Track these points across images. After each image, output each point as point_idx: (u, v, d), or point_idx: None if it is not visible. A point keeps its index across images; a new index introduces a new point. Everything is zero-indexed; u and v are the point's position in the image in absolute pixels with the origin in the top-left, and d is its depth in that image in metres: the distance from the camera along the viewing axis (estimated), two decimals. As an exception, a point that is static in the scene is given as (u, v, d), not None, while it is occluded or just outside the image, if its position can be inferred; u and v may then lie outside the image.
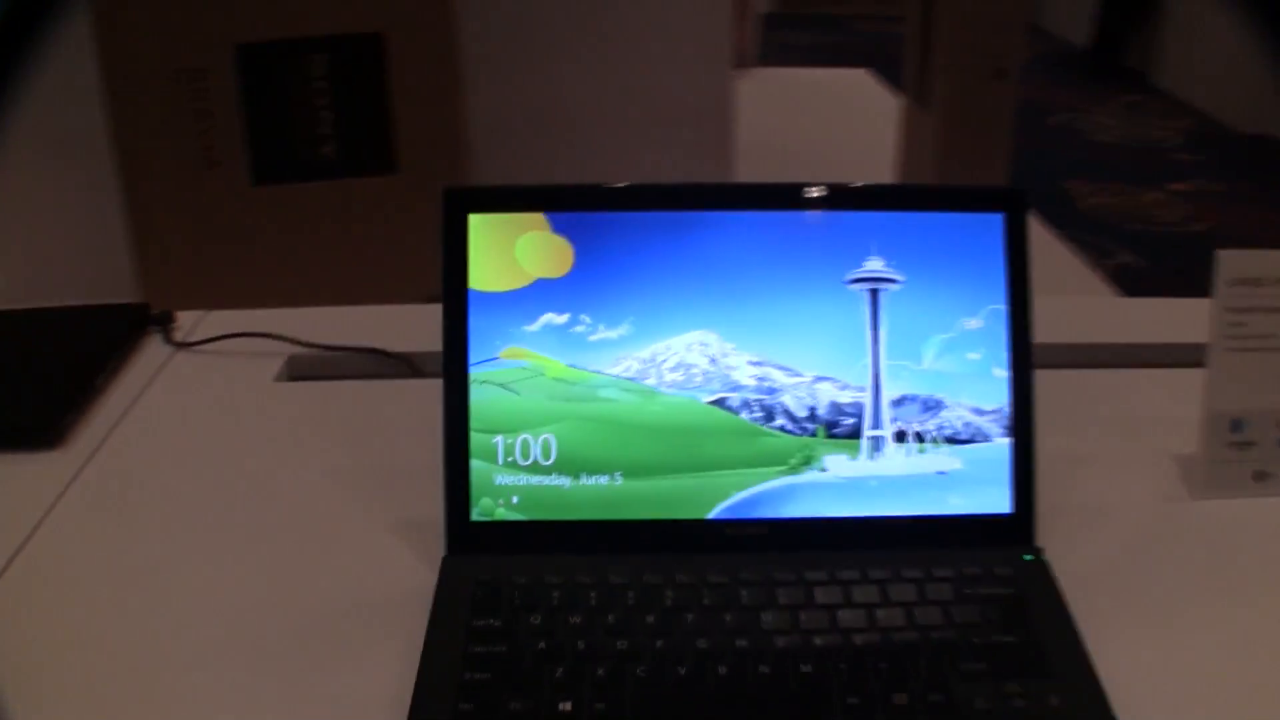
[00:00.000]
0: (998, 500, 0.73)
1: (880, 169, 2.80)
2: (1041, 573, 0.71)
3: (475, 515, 0.73)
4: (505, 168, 1.86)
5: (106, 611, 0.72)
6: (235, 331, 0.99)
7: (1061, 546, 0.74)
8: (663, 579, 0.70)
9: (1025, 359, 0.74)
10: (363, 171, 1.71)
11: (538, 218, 0.73)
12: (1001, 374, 0.74)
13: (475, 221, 0.73)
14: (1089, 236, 3.28)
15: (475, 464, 0.73)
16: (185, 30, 1.59)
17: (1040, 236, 2.15)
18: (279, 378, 0.95)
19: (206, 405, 0.92)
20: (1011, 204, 0.74)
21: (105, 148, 1.60)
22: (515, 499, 0.73)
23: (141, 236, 1.59)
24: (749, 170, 2.29)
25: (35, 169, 1.68)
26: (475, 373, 0.73)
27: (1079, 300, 1.20)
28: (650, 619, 0.67)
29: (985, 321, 0.74)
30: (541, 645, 0.66)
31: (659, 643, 0.65)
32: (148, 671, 0.67)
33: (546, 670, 0.64)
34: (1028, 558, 0.72)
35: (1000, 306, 0.74)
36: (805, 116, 3.74)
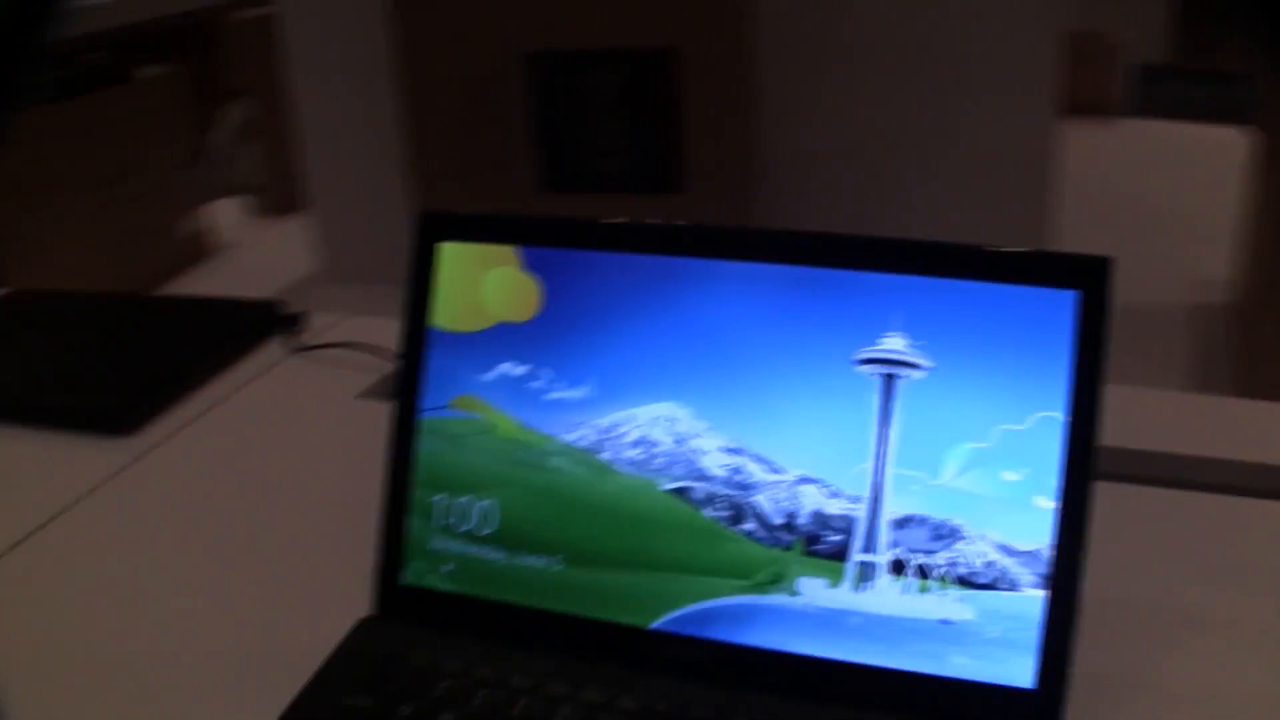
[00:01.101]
0: (1016, 670, 0.55)
1: (1220, 237, 2.41)
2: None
3: (406, 579, 0.64)
4: (798, 199, 1.74)
5: (97, 607, 0.71)
6: (354, 341, 0.96)
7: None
8: (568, 691, 0.58)
9: (1082, 488, 0.55)
10: (649, 188, 1.65)
11: (508, 251, 0.64)
12: (1046, 504, 0.55)
13: (446, 251, 0.65)
14: None
15: (414, 522, 0.64)
16: (482, 38, 1.61)
17: None
18: (363, 394, 0.91)
19: (282, 412, 0.90)
20: (1090, 279, 0.56)
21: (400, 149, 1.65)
22: (450, 567, 0.64)
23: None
24: (1075, 224, 2.02)
25: (353, 161, 1.76)
26: (425, 420, 0.65)
27: (1179, 398, 0.92)
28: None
29: (1033, 432, 0.56)
30: (395, 746, 0.57)
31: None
32: (123, 674, 0.65)
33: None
34: (1037, 755, 0.54)
35: (1056, 414, 0.55)
36: (1162, 172, 3.31)
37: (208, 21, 4.62)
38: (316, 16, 1.59)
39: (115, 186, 1.84)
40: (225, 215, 1.81)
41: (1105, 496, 0.57)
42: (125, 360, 0.94)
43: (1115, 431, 0.59)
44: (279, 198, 2.04)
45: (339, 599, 0.65)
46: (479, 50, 1.63)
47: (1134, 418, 0.80)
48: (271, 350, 0.96)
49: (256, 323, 0.98)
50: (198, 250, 1.86)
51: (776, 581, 0.58)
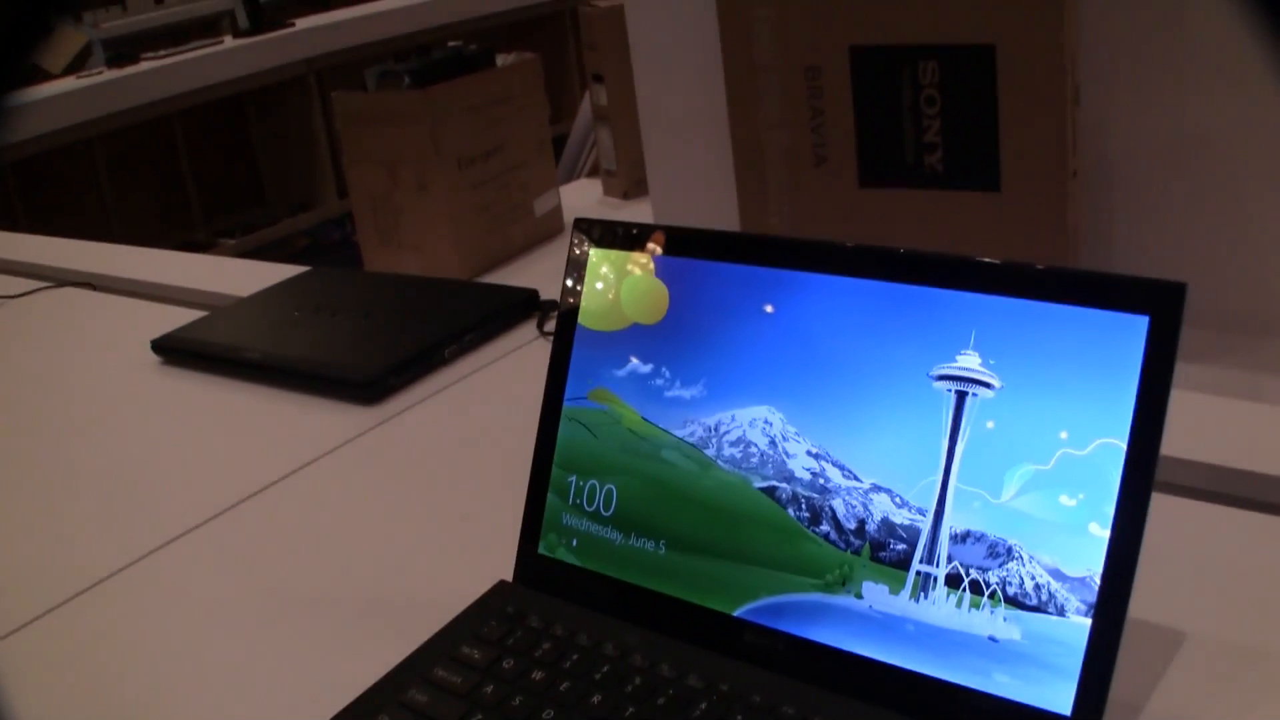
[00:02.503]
0: (1056, 695, 0.55)
1: None
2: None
3: (541, 549, 0.72)
4: (1116, 200, 1.66)
5: (306, 546, 0.84)
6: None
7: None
8: (646, 662, 0.64)
9: (1137, 519, 0.54)
10: (966, 185, 1.64)
11: (645, 259, 0.69)
12: (1100, 533, 0.55)
13: (594, 256, 0.72)
14: None
15: (551, 499, 0.72)
16: (804, 30, 1.65)
17: None
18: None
19: (512, 392, 0.99)
20: (1162, 304, 0.54)
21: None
22: (574, 542, 0.71)
23: (747, 225, 1.69)
24: None
25: (686, 150, 1.86)
26: (567, 408, 0.72)
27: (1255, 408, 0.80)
28: (628, 710, 0.62)
29: (1093, 458, 0.55)
30: (489, 690, 0.64)
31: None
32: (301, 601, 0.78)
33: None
34: (1061, 781, 0.53)
35: (1118, 443, 0.54)
36: None
37: (568, 11, 4.91)
38: (656, 8, 1.70)
39: (479, 166, 2.04)
40: (580, 196, 1.97)
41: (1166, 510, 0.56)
42: (386, 336, 1.08)
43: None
44: (630, 181, 2.18)
45: (500, 563, 0.74)
46: (803, 43, 1.68)
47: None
48: (524, 333, 1.07)
49: (515, 307, 1.09)
50: (553, 227, 2.04)
51: (844, 583, 0.61)
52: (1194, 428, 0.81)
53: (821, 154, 1.70)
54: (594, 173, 2.37)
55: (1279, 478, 0.75)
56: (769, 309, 0.65)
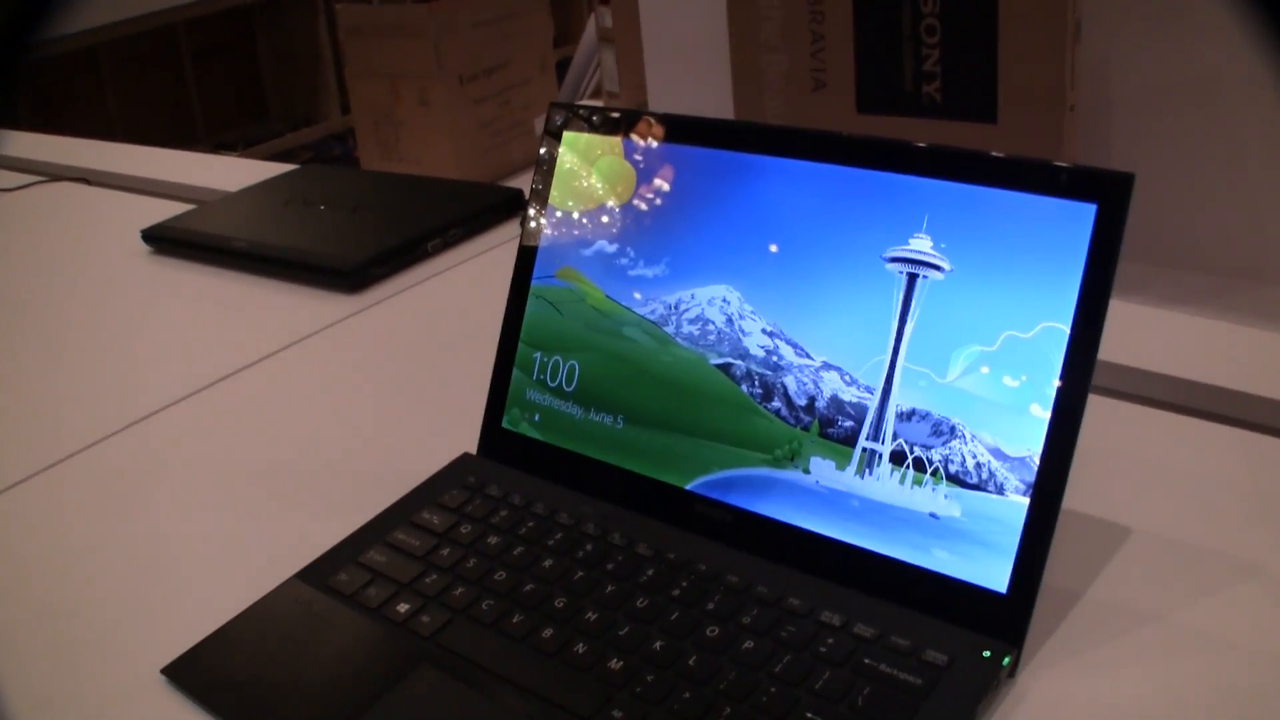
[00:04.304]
0: (992, 572, 0.56)
1: None
2: (988, 685, 0.54)
3: (505, 423, 0.73)
4: (1115, 139, 1.66)
5: (282, 416, 0.86)
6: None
7: (1068, 664, 0.56)
8: (622, 541, 0.65)
9: (1076, 402, 0.55)
10: (964, 115, 1.64)
11: (616, 142, 0.70)
12: (1041, 414, 0.56)
13: (567, 139, 0.72)
14: None
15: (516, 374, 0.73)
16: (808, -43, 1.64)
17: None
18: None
19: (488, 283, 1.00)
20: (1109, 193, 0.55)
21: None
22: (537, 416, 0.72)
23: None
24: None
25: (686, 73, 1.85)
26: (535, 286, 0.73)
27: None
28: (577, 574, 0.64)
29: (1037, 340, 0.56)
30: (445, 552, 0.66)
31: (560, 600, 0.62)
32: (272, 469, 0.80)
33: (430, 582, 0.65)
34: (988, 655, 0.55)
35: (1061, 326, 0.56)
36: None
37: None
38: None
39: (481, 82, 2.04)
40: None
41: (1106, 411, 0.57)
42: (371, 229, 1.09)
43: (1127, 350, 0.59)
44: (633, 104, 2.19)
45: (467, 439, 0.76)
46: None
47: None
48: (508, 230, 1.08)
49: (500, 206, 1.09)
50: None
51: (793, 458, 0.62)
52: (1158, 341, 0.82)
53: (820, 79, 1.69)
54: (597, 95, 2.37)
55: (1237, 391, 0.77)
56: (731, 191, 0.66)
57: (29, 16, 0.38)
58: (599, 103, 2.06)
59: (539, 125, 2.24)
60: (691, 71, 1.89)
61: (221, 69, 4.26)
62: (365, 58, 2.26)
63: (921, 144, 0.61)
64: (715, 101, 1.89)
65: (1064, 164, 0.56)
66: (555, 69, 2.32)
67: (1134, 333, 0.80)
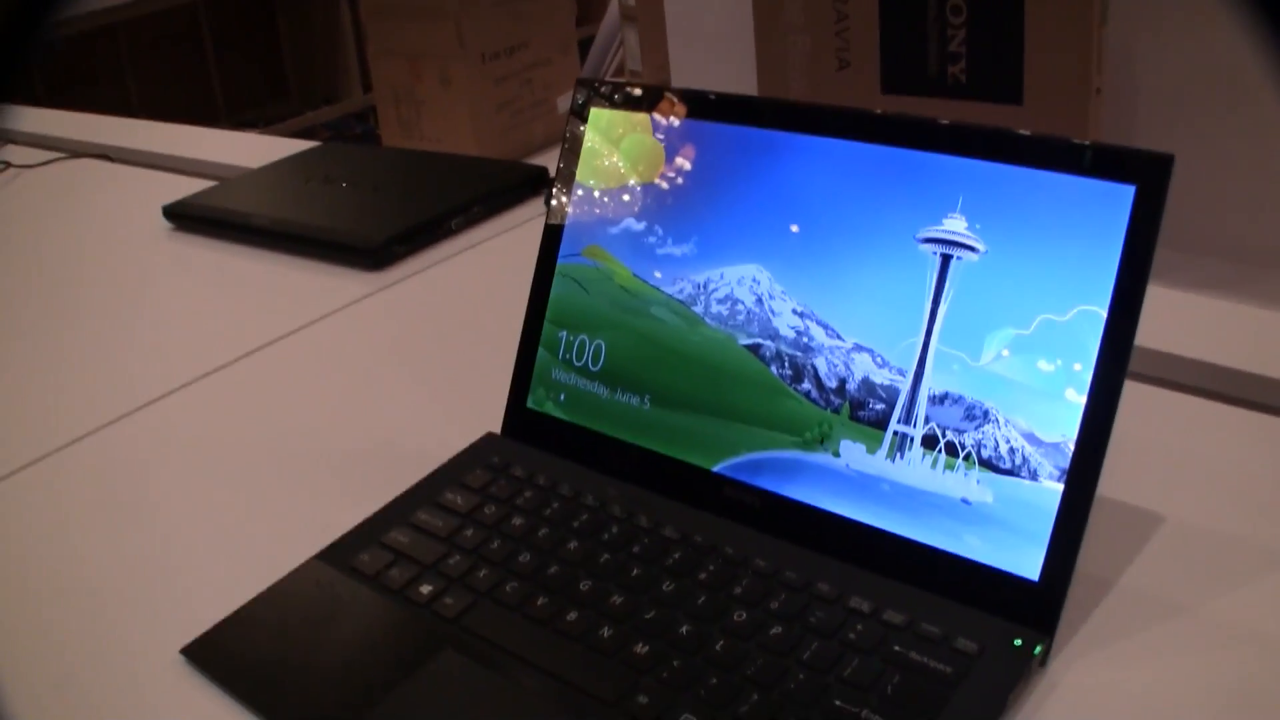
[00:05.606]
0: (1025, 560, 0.55)
1: None
2: (1020, 674, 0.53)
3: (529, 403, 0.73)
4: (1147, 127, 1.64)
5: (303, 398, 0.85)
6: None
7: (1100, 654, 0.55)
8: (649, 524, 0.64)
9: (1112, 387, 0.54)
10: (988, 97, 1.62)
11: (643, 119, 0.69)
12: (1076, 399, 0.55)
13: (594, 116, 0.71)
14: None
15: (541, 354, 0.72)
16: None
17: None
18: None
19: (514, 264, 1.00)
20: (1149, 174, 0.54)
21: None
22: (562, 396, 0.71)
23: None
24: None
25: (710, 52, 1.84)
26: (561, 265, 0.72)
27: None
28: (603, 557, 0.63)
29: (1073, 324, 0.55)
30: (468, 533, 0.65)
31: (585, 584, 0.61)
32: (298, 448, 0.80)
33: (454, 563, 0.64)
34: (1019, 643, 0.54)
35: (1099, 310, 0.54)
36: None
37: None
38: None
39: (503, 61, 2.03)
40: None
41: (1138, 396, 0.56)
42: (394, 206, 1.08)
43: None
44: (655, 82, 2.17)
45: (491, 419, 0.75)
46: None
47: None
48: (532, 208, 1.07)
49: (524, 184, 1.08)
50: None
51: (822, 441, 0.62)
52: (1194, 327, 0.81)
53: (844, 58, 1.68)
54: (619, 74, 2.35)
55: (1273, 378, 0.75)
56: (761, 170, 0.65)
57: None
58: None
59: (561, 104, 2.23)
60: (715, 51, 1.87)
61: (242, 48, 4.25)
62: (386, 36, 2.25)
63: (956, 123, 0.60)
64: (738, 81, 1.87)
65: (1102, 144, 0.55)
66: (577, 48, 2.31)
67: (1166, 317, 0.79)
